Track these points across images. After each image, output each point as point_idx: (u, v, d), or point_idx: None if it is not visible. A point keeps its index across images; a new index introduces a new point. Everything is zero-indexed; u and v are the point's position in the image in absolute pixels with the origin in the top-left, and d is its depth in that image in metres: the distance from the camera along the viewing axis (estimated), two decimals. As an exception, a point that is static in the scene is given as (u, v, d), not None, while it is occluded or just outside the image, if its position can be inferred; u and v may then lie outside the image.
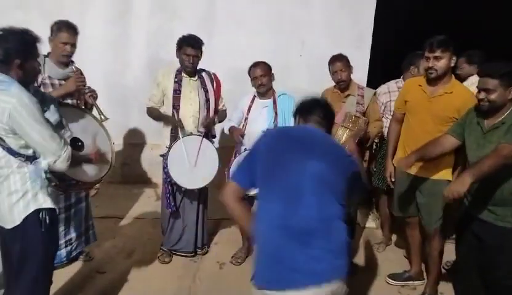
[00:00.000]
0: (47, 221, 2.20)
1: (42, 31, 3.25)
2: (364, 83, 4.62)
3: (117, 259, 3.59)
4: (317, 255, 1.70)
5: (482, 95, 2.44)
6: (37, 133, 2.06)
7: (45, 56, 3.05)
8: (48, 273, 2.36)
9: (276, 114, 3.36)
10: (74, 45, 3.05)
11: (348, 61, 3.38)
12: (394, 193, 3.27)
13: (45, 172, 2.15)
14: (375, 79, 4.57)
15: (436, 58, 2.86)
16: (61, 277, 3.17)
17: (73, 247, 3.31)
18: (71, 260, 3.37)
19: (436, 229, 3.08)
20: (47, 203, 2.22)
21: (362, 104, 3.35)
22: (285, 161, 1.85)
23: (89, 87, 3.08)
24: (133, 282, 3.28)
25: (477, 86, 2.52)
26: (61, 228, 3.14)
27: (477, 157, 2.50)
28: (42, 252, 2.23)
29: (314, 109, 2.08)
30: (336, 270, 1.74)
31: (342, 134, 3.07)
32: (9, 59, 2.06)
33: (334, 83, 3.45)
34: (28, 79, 2.18)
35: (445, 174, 2.99)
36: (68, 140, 2.33)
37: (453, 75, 3.00)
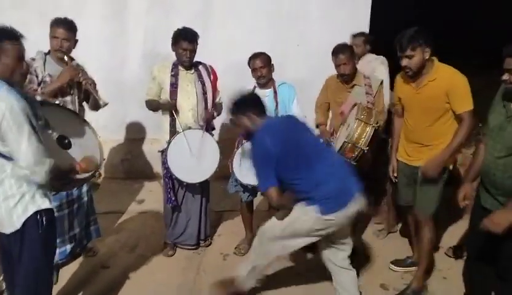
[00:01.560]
0: (44, 223, 2.17)
1: (38, 29, 3.27)
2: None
3: (121, 254, 3.62)
4: (355, 179, 2.65)
5: (506, 76, 2.34)
6: (15, 142, 1.97)
7: (46, 53, 3.05)
8: (48, 272, 2.36)
9: (277, 103, 3.37)
10: (68, 40, 3.02)
11: (352, 52, 3.33)
12: (398, 184, 3.26)
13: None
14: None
15: (408, 57, 2.81)
16: (65, 273, 3.21)
17: (77, 243, 3.32)
18: (74, 255, 3.39)
19: (427, 217, 3.06)
20: (45, 203, 2.18)
21: (371, 94, 3.31)
22: (302, 140, 2.67)
23: (84, 73, 3.04)
24: (138, 276, 3.31)
25: (503, 68, 2.38)
26: (65, 224, 3.14)
27: (496, 140, 2.44)
28: (41, 252, 2.21)
29: (258, 102, 2.78)
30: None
31: (357, 127, 3.00)
32: None
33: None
34: (10, 79, 2.06)
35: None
36: (55, 139, 2.27)
37: (435, 60, 2.89)
